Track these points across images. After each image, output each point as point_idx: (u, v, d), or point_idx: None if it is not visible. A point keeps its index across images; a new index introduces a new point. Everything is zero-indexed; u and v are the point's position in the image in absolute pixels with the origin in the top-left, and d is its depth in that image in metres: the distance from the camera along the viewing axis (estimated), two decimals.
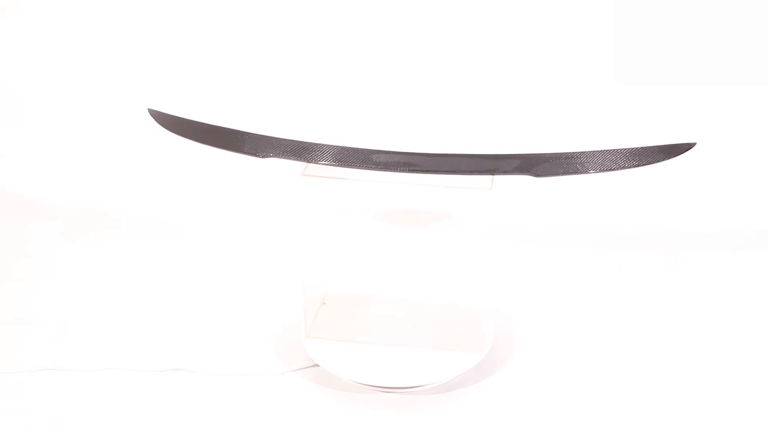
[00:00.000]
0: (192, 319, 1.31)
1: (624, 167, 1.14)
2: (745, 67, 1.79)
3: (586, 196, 1.58)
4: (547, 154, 1.15)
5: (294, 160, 1.18)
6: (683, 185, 1.60)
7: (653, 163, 1.14)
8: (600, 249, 1.46)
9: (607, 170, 1.14)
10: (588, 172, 1.14)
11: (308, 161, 1.18)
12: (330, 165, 1.17)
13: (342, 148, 1.18)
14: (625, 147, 1.16)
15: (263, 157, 1.19)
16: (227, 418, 1.16)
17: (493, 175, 1.15)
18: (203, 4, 1.91)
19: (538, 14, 1.89)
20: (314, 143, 1.18)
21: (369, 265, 1.39)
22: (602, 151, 1.15)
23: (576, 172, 1.14)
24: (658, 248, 1.47)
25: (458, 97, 1.82)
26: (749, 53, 1.80)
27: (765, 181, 1.61)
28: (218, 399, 1.19)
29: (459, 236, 1.20)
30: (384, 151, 1.17)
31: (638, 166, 1.14)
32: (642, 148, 1.15)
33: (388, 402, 1.18)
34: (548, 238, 1.49)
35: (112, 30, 1.91)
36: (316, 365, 1.22)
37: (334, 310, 1.30)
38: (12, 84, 1.84)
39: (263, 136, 1.20)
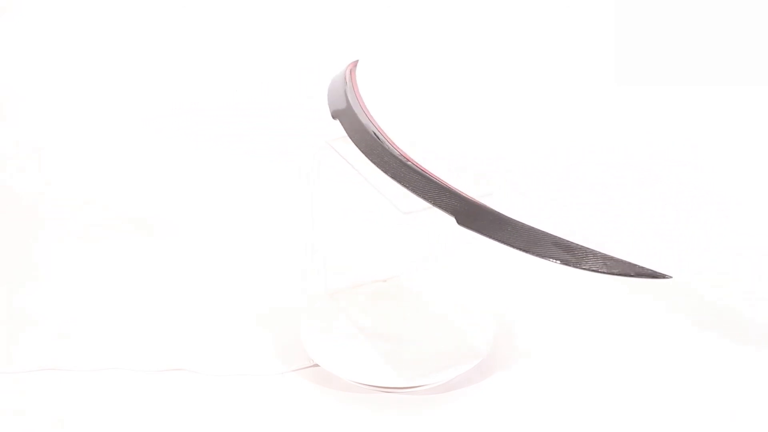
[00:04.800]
0: (192, 319, 1.31)
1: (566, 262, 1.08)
2: (745, 67, 1.79)
3: (586, 196, 1.58)
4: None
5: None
6: (683, 185, 1.60)
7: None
8: (599, 250, 1.46)
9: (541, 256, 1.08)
10: (514, 247, 1.08)
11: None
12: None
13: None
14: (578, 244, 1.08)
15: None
16: (227, 418, 1.16)
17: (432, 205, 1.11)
18: (200, 6, 1.91)
19: (538, 14, 1.89)
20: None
21: (370, 263, 1.39)
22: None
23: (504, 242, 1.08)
24: (658, 247, 1.47)
25: (458, 97, 1.82)
26: (749, 53, 1.80)
27: (764, 180, 1.61)
28: (218, 399, 1.19)
29: (459, 238, 1.20)
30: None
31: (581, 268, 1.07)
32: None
33: (388, 402, 1.18)
34: None
35: (111, 30, 1.91)
36: (316, 365, 1.22)
37: (356, 296, 1.30)
38: (12, 84, 1.84)
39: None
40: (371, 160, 1.15)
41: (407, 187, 1.12)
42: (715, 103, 1.76)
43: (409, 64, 1.85)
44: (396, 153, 1.14)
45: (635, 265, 1.07)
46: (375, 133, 1.17)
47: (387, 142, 1.16)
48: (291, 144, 1.68)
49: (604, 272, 1.07)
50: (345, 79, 1.27)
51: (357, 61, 1.33)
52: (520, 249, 1.08)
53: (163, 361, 1.24)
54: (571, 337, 1.28)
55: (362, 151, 1.17)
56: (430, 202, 1.10)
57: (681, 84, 1.79)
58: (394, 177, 1.13)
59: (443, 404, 1.18)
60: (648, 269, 1.07)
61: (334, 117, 1.23)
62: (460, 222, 1.09)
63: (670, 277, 1.07)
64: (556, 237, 1.08)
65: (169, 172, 1.63)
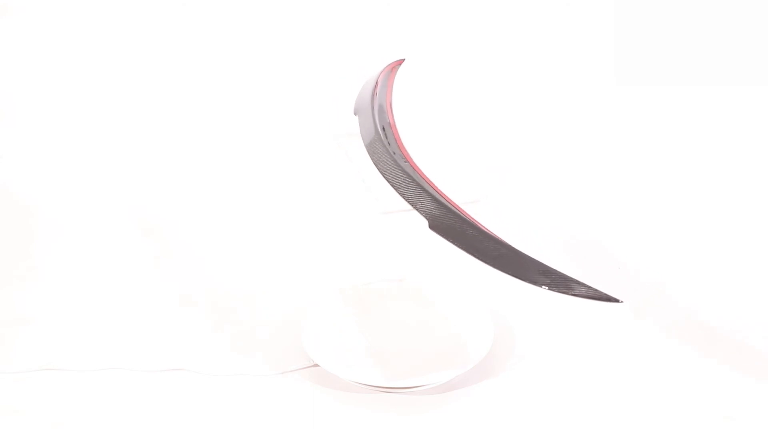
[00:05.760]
0: (192, 319, 1.31)
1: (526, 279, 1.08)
2: (745, 67, 1.79)
3: (586, 196, 1.58)
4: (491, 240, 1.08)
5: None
6: (683, 184, 1.60)
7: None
8: (600, 250, 1.46)
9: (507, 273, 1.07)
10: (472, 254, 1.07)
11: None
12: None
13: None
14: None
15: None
16: (227, 418, 1.16)
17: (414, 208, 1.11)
18: (202, 7, 1.91)
19: (539, 14, 1.89)
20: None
21: (371, 263, 1.39)
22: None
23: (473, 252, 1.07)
24: (658, 248, 1.47)
25: (457, 97, 1.82)
26: (749, 53, 1.80)
27: (764, 179, 1.61)
28: (218, 399, 1.19)
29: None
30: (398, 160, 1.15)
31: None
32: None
33: (388, 402, 1.18)
34: (547, 239, 1.49)
35: (111, 31, 1.91)
36: (316, 365, 1.22)
37: (357, 296, 1.31)
38: (12, 84, 1.84)
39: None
40: (370, 158, 1.15)
41: (395, 188, 1.12)
42: (715, 103, 1.76)
43: (433, 66, 1.85)
44: (396, 152, 1.14)
45: (591, 287, 1.06)
46: (382, 131, 1.17)
47: (392, 141, 1.16)
48: (298, 140, 1.68)
49: (557, 291, 1.06)
50: (377, 77, 1.27)
51: (401, 60, 1.32)
52: (480, 258, 1.07)
53: (163, 361, 1.24)
54: (570, 339, 1.28)
55: (366, 149, 1.17)
56: (409, 203, 1.10)
57: (681, 84, 1.79)
58: (385, 176, 1.13)
59: (443, 404, 1.18)
60: (601, 293, 1.06)
61: (354, 113, 1.23)
62: (431, 226, 1.09)
63: (621, 301, 1.06)
64: (519, 251, 1.07)
65: (169, 171, 1.64)
